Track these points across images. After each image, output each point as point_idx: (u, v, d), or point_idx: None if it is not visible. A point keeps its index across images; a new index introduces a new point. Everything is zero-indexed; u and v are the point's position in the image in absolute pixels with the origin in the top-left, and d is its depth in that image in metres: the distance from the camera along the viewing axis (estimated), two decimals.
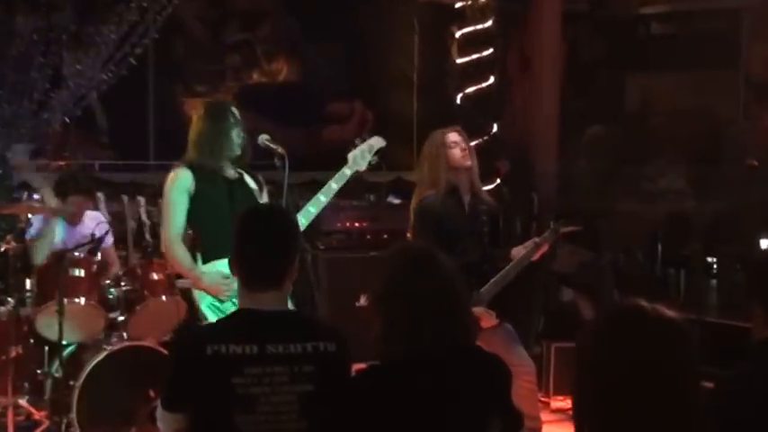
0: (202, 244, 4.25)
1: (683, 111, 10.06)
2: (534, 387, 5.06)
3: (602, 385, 1.88)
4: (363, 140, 4.65)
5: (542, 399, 6.15)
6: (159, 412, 2.69)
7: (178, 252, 4.22)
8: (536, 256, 4.98)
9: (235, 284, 4.31)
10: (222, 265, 4.14)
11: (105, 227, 5.90)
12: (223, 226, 4.19)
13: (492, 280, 4.86)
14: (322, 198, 4.44)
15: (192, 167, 4.41)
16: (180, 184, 4.31)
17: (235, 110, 4.62)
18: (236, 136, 4.49)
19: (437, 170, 4.90)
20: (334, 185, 4.46)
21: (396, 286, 2.66)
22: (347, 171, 4.52)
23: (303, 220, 4.33)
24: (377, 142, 4.61)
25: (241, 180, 4.52)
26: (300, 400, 2.64)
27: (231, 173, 4.49)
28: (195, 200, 4.34)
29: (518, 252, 5.01)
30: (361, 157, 4.55)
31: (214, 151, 4.40)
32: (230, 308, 4.17)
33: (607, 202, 9.65)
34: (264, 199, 4.58)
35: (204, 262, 4.26)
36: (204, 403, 2.59)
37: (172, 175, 4.38)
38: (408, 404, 2.55)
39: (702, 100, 9.73)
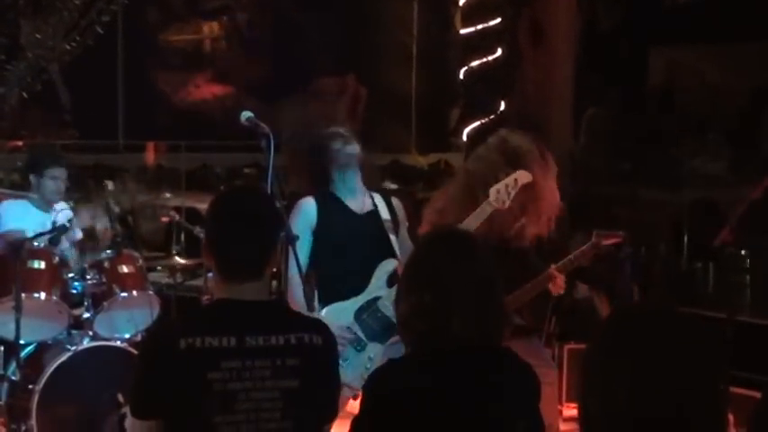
0: (320, 284, 4.25)
1: (712, 86, 10.06)
2: (553, 392, 5.09)
3: (610, 396, 1.85)
4: (507, 175, 4.57)
5: None
6: (129, 421, 2.64)
7: (296, 294, 4.20)
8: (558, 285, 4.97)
9: (359, 332, 4.29)
10: (340, 310, 4.23)
11: (68, 214, 5.86)
12: (343, 266, 4.26)
13: (516, 292, 4.83)
14: None
15: (317, 198, 4.46)
16: (302, 218, 4.37)
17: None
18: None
19: None
20: (473, 223, 4.34)
21: (426, 268, 2.69)
22: (488, 208, 4.46)
23: None
24: (522, 177, 4.52)
25: (373, 214, 4.53)
26: (284, 397, 2.58)
27: (360, 203, 4.52)
28: (317, 236, 4.39)
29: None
30: (505, 192, 4.47)
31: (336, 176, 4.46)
32: (351, 354, 4.24)
33: (625, 189, 9.68)
34: (403, 232, 4.57)
35: (321, 303, 4.25)
36: (179, 404, 2.53)
37: (296, 206, 4.45)
38: (434, 399, 2.57)
39: (734, 74, 9.72)
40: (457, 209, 4.59)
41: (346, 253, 4.31)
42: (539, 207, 4.69)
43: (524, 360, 2.77)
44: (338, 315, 4.26)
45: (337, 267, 4.26)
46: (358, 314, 4.32)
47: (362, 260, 4.36)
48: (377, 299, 4.32)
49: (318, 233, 4.37)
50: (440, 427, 2.57)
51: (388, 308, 4.29)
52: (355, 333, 4.29)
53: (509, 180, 4.47)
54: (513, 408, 2.65)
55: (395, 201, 4.66)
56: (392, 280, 4.31)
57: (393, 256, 4.42)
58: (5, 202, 5.79)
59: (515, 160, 4.60)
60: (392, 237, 4.46)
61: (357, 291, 4.34)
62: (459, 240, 2.79)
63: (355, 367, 4.19)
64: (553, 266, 4.91)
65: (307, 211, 4.41)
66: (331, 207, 4.45)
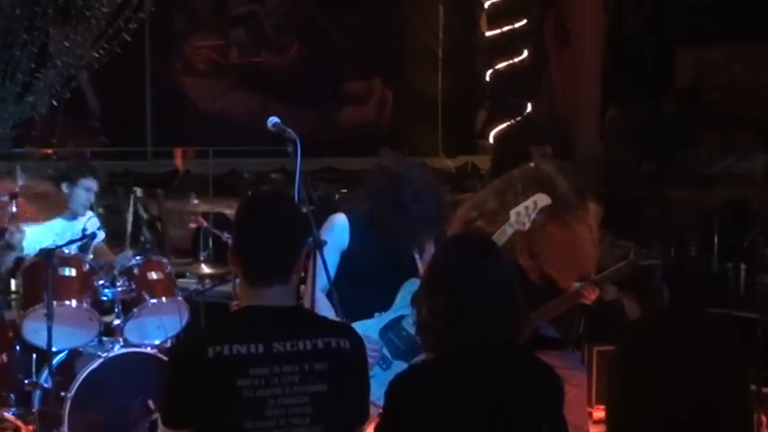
0: (344, 302, 4.24)
1: (740, 86, 9.99)
2: (582, 395, 5.10)
3: (639, 399, 1.86)
4: (527, 197, 4.55)
5: None
6: (160, 431, 2.66)
7: (321, 309, 4.19)
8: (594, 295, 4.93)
9: (385, 350, 4.28)
10: (365, 327, 4.18)
11: (96, 222, 5.92)
12: (369, 290, 4.25)
13: (541, 308, 4.81)
14: None
15: (350, 219, 4.45)
16: (333, 235, 4.35)
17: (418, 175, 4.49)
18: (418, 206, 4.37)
19: None
20: None
21: (441, 272, 2.76)
22: (509, 229, 4.46)
23: None
24: (542, 200, 4.53)
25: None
26: (313, 402, 2.60)
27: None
28: (345, 259, 4.38)
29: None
30: (525, 214, 4.47)
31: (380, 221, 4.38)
32: (377, 372, 4.18)
33: (654, 189, 9.63)
34: (429, 251, 4.48)
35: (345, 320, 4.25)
36: (209, 412, 2.56)
37: (328, 221, 4.45)
38: (456, 400, 2.62)
39: (764, 73, 9.66)
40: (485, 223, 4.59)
41: (373, 278, 4.30)
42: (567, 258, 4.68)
43: (546, 363, 2.79)
44: (363, 332, 4.25)
45: (363, 291, 4.23)
46: (383, 332, 4.32)
47: (388, 284, 4.36)
48: (402, 317, 4.32)
49: (347, 257, 4.35)
50: (462, 429, 2.60)
51: (412, 326, 4.25)
52: (381, 351, 4.28)
53: (528, 202, 4.50)
54: (534, 410, 2.68)
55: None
56: None
57: (417, 275, 4.43)
58: (27, 228, 5.80)
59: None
60: (416, 256, 4.44)
61: (381, 311, 4.35)
62: (473, 244, 2.87)
63: (381, 385, 4.20)
64: (584, 283, 4.88)
65: (339, 231, 4.38)
66: (363, 232, 4.41)
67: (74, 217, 5.85)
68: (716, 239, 8.68)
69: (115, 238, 6.61)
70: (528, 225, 4.46)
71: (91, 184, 5.84)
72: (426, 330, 2.74)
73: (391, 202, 4.39)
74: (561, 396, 2.76)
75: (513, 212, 4.46)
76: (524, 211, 4.45)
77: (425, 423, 2.60)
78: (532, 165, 4.88)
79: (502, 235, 4.41)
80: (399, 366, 4.24)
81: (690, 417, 1.81)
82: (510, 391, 2.66)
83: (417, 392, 2.65)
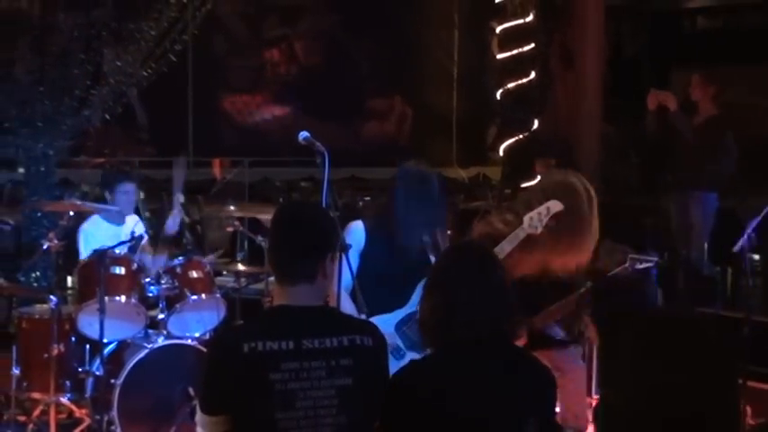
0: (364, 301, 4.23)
1: (729, 107, 9.92)
2: (582, 387, 5.06)
3: (635, 394, 1.85)
4: (540, 203, 4.51)
5: None
6: (198, 417, 2.68)
7: (344, 308, 4.19)
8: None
9: (399, 342, 4.27)
10: (382, 321, 4.10)
11: (143, 226, 5.95)
12: (385, 291, 4.22)
13: (547, 309, 4.77)
14: None
15: (366, 224, 4.43)
16: (351, 239, 4.32)
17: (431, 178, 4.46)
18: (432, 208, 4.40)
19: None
20: (507, 247, 4.31)
21: (439, 274, 2.80)
22: (521, 233, 4.44)
23: None
24: (554, 206, 4.49)
25: (419, 249, 4.45)
26: (339, 394, 2.62)
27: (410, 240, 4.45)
28: (362, 260, 4.35)
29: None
30: (537, 219, 4.43)
31: (399, 225, 4.37)
32: (391, 362, 4.16)
33: (649, 199, 9.59)
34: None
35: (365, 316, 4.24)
36: (244, 402, 2.58)
37: (347, 227, 4.41)
38: (446, 390, 2.63)
39: (750, 95, 9.61)
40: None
41: (389, 280, 4.28)
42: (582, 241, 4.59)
43: (537, 359, 2.80)
44: (380, 326, 4.23)
45: (380, 291, 4.22)
46: (398, 326, 4.31)
47: (403, 283, 4.33)
48: (416, 313, 4.31)
49: (365, 257, 4.32)
50: (453, 419, 2.62)
51: None
52: (395, 342, 4.26)
53: (542, 208, 4.44)
54: (523, 403, 2.68)
55: (439, 234, 4.57)
56: None
57: None
58: (81, 229, 5.84)
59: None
60: (433, 258, 4.44)
61: (398, 307, 4.33)
62: (469, 251, 2.92)
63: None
64: (584, 289, 4.84)
65: (356, 234, 4.37)
66: (378, 236, 4.39)
67: (120, 221, 5.87)
68: (705, 245, 8.63)
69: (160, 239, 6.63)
70: (540, 229, 4.41)
71: (128, 187, 5.85)
72: (425, 326, 2.77)
73: (419, 198, 4.39)
74: (551, 391, 2.74)
75: (526, 217, 4.42)
76: (537, 216, 4.40)
77: (421, 409, 2.63)
78: (553, 176, 4.77)
79: (514, 238, 4.37)
80: (412, 356, 4.24)
81: (682, 406, 1.80)
82: (496, 385, 2.66)
83: (415, 383, 2.67)
